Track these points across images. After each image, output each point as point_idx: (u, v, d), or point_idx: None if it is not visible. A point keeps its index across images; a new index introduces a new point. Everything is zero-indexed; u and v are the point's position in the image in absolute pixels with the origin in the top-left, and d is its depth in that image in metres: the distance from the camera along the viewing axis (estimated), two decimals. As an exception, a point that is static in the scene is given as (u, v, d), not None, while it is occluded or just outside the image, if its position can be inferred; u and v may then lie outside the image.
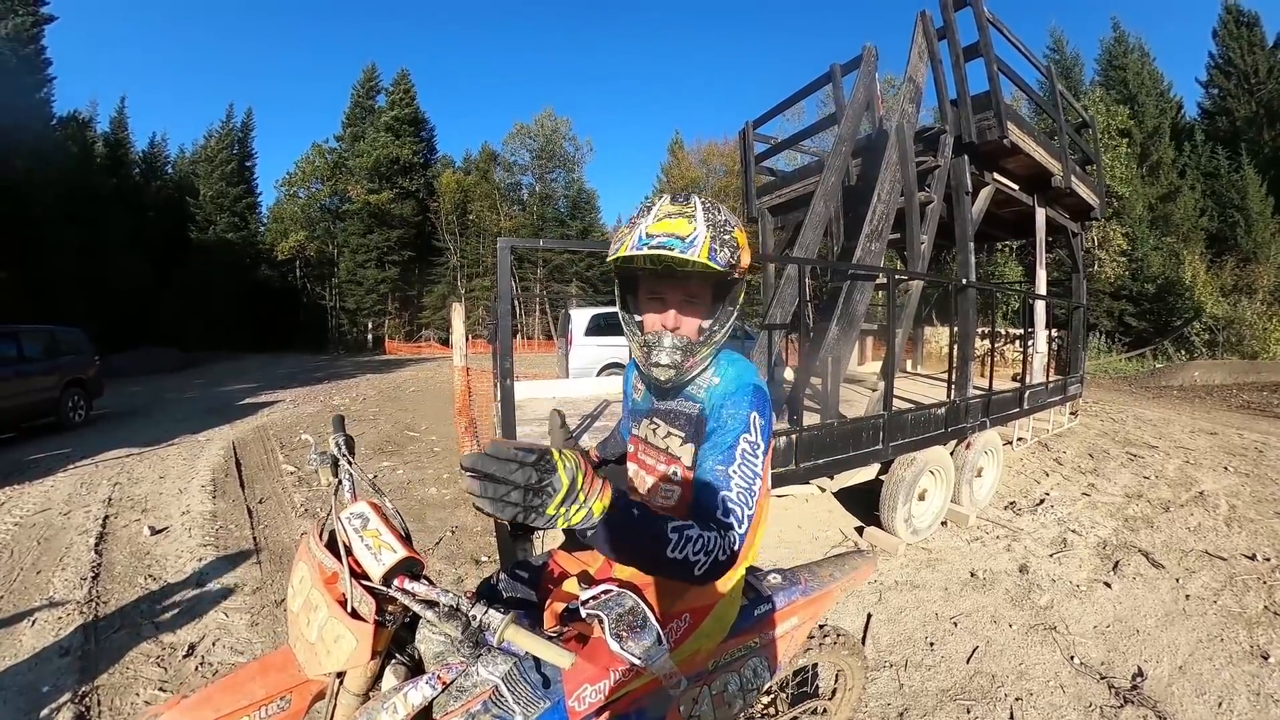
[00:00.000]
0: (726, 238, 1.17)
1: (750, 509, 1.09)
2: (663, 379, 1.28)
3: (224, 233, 39.01)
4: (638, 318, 1.33)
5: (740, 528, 1.05)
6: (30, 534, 4.57)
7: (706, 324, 1.27)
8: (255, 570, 3.88)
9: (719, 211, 1.20)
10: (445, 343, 35.85)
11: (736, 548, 1.03)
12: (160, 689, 2.68)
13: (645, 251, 1.13)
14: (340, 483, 1.29)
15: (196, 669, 2.82)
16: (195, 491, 5.59)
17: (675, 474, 1.33)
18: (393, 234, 40.29)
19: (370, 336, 41.33)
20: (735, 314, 1.30)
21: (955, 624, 3.18)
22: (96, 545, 4.33)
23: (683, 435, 1.32)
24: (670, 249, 1.11)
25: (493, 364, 5.69)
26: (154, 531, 4.56)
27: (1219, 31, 27.15)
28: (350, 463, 1.31)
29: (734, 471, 1.12)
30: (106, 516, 4.94)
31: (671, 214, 1.17)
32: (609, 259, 1.25)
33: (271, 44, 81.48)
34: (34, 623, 3.23)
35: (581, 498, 0.86)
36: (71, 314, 19.26)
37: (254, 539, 4.42)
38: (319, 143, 41.58)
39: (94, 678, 2.75)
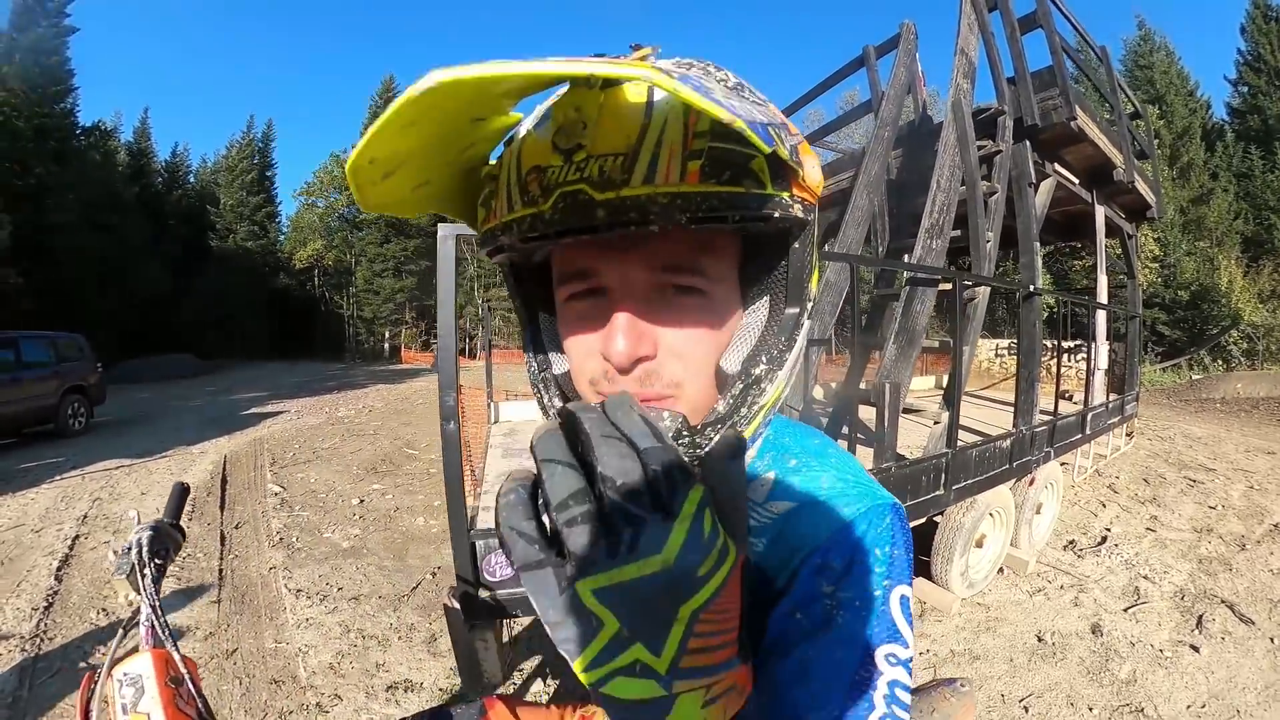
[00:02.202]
0: (751, 98, 0.48)
1: None
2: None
3: (243, 241, 39.59)
4: (555, 365, 0.58)
5: None
6: (-3, 553, 4.37)
7: (736, 357, 0.51)
8: (212, 611, 3.50)
9: (721, 69, 0.50)
10: (463, 353, 35.74)
11: None
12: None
13: (462, 74, 0.33)
14: (139, 610, 0.81)
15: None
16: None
17: None
18: (410, 243, 40.37)
19: (387, 345, 41.45)
20: (807, 321, 0.53)
21: (1026, 709, 2.64)
22: (58, 570, 4.10)
23: None
24: (540, 66, 0.33)
25: (487, 385, 5.25)
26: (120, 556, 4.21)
27: (1247, 27, 26.33)
28: (155, 582, 0.82)
29: None
30: (77, 536, 4.72)
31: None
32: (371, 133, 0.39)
33: (292, 57, 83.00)
34: (-27, 658, 2.99)
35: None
36: (91, 320, 19.43)
37: (220, 571, 4.05)
38: (337, 153, 42.07)
39: (19, 730, 2.46)
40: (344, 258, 41.56)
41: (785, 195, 0.44)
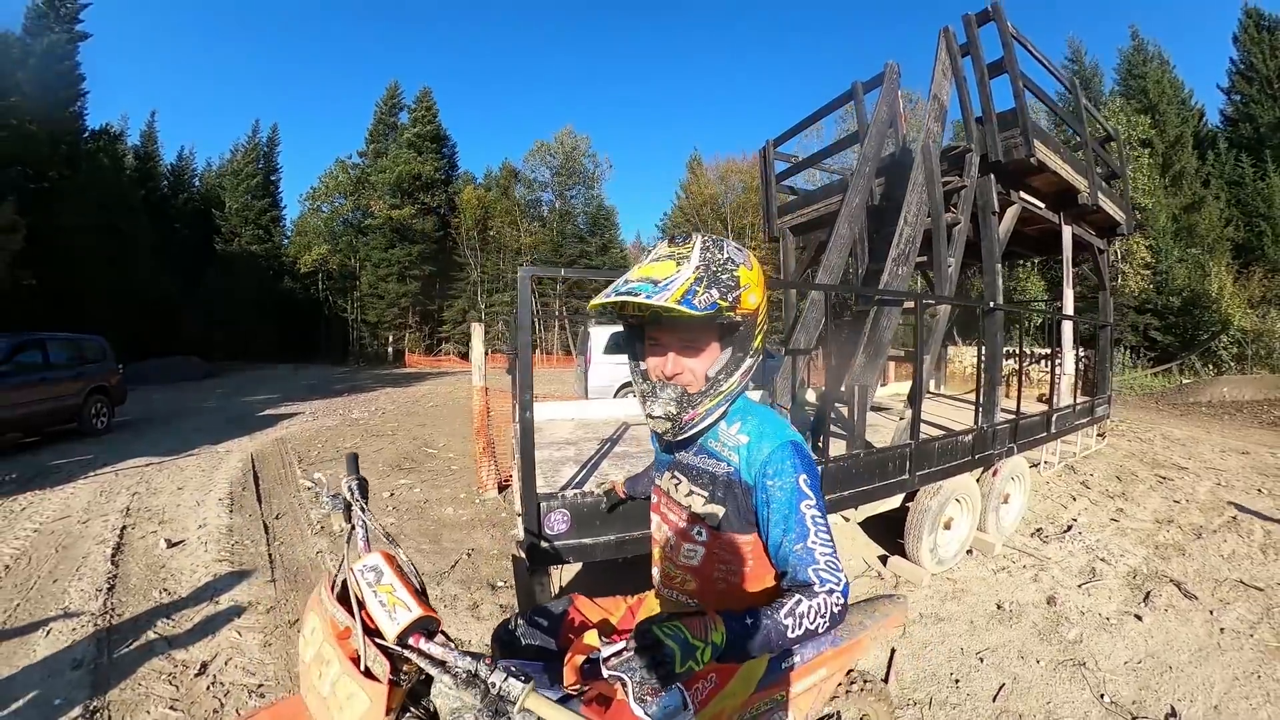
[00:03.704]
0: (724, 277, 1.12)
1: (839, 564, 1.10)
2: (659, 431, 1.25)
3: (248, 245, 39.85)
4: (642, 365, 1.29)
5: (840, 584, 1.06)
6: (49, 541, 4.64)
7: (711, 371, 1.21)
8: (269, 589, 3.86)
9: (723, 249, 1.16)
10: (465, 357, 36.02)
11: (845, 599, 1.06)
12: (170, 708, 2.67)
13: (613, 298, 1.10)
14: (353, 530, 1.25)
15: (208, 689, 2.80)
16: (212, 504, 5.62)
17: (699, 533, 1.28)
18: (414, 249, 40.60)
19: (390, 349, 41.58)
20: (749, 360, 1.22)
21: (981, 659, 3.08)
22: (113, 556, 4.37)
23: (706, 495, 1.27)
24: (636, 295, 1.07)
25: (512, 387, 5.68)
26: (170, 544, 4.58)
27: (1240, 36, 26.79)
28: (364, 509, 1.27)
29: (813, 542, 1.10)
30: (124, 527, 4.99)
31: (662, 257, 1.15)
32: (589, 306, 1.27)
33: (297, 61, 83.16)
34: (49, 633, 3.26)
35: (700, 645, 0.90)
36: (99, 321, 19.69)
37: (269, 556, 4.41)
38: (342, 158, 42.29)
39: (105, 692, 2.75)
40: (348, 262, 41.72)
41: (732, 313, 1.13)
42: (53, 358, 9.01)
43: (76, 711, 2.60)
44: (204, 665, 2.98)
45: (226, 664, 3.01)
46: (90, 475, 6.71)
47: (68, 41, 25.41)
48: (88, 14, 26.09)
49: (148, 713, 2.63)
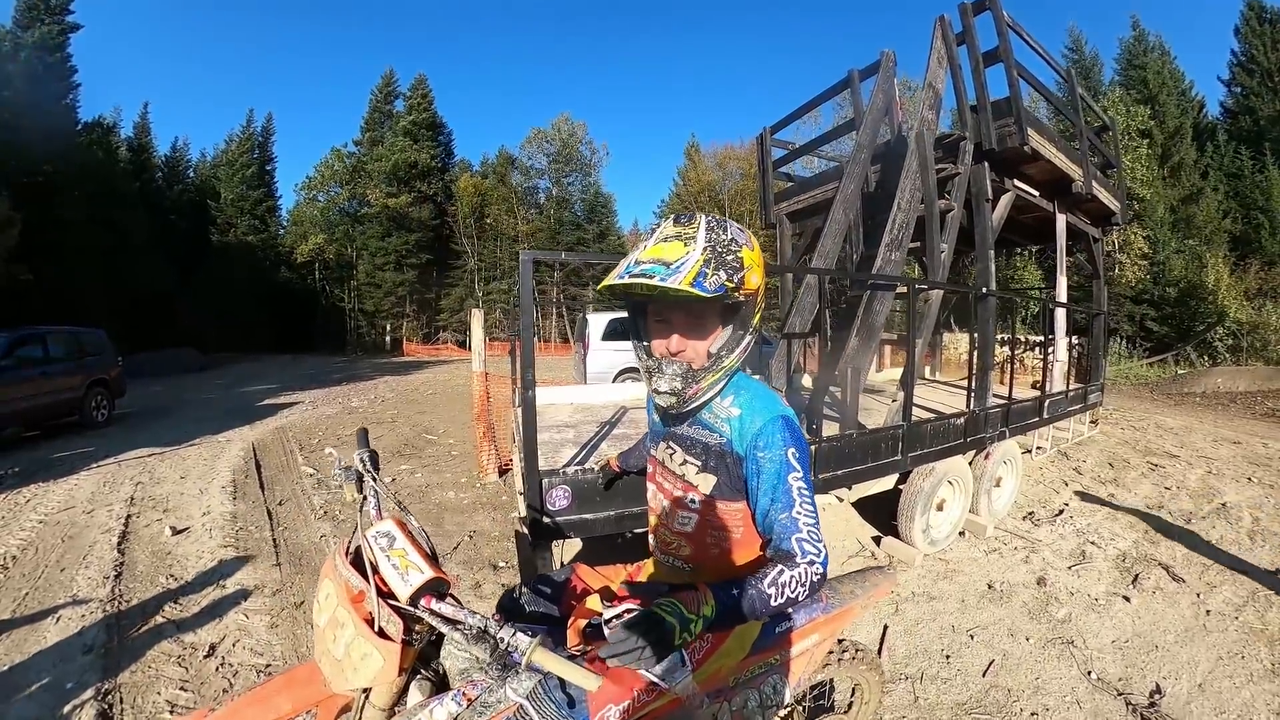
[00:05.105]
0: (728, 259, 1.14)
1: (820, 535, 1.17)
2: (664, 405, 1.30)
3: (244, 235, 39.65)
4: (645, 342, 1.33)
5: (820, 555, 1.14)
6: (55, 532, 4.66)
7: (714, 348, 1.25)
8: (275, 573, 3.92)
9: (726, 230, 1.19)
10: (462, 345, 36.10)
11: (824, 569, 1.14)
12: (181, 688, 2.72)
13: (625, 280, 1.12)
14: (365, 499, 1.30)
15: (217, 669, 2.86)
16: (216, 492, 5.66)
17: (692, 501, 1.34)
18: (411, 237, 40.54)
19: (388, 338, 41.55)
20: (748, 337, 1.26)
21: (972, 636, 3.16)
22: (119, 544, 4.40)
23: (699, 464, 1.33)
24: (650, 277, 1.10)
25: (511, 370, 5.74)
26: (175, 531, 4.62)
27: (1241, 29, 26.72)
28: (375, 479, 1.32)
29: (797, 513, 1.17)
30: (129, 516, 5.02)
31: (669, 237, 1.16)
32: (598, 288, 1.27)
33: (291, 50, 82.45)
34: (58, 619, 3.30)
35: (694, 618, 1.00)
36: (95, 315, 19.63)
37: (274, 541, 4.46)
38: (338, 147, 42.04)
39: (116, 675, 2.80)
40: (345, 251, 41.57)
41: (735, 293, 1.15)
42: (52, 352, 9.01)
43: (89, 694, 2.64)
44: (212, 647, 3.04)
45: (234, 645, 3.07)
46: (93, 467, 6.73)
47: (58, 33, 25.14)
48: (78, 4, 25.88)
49: (159, 693, 2.68)
